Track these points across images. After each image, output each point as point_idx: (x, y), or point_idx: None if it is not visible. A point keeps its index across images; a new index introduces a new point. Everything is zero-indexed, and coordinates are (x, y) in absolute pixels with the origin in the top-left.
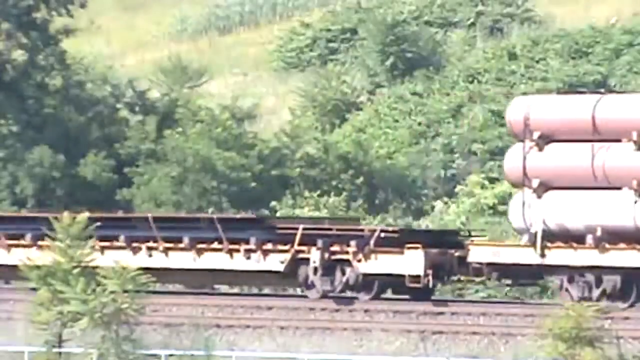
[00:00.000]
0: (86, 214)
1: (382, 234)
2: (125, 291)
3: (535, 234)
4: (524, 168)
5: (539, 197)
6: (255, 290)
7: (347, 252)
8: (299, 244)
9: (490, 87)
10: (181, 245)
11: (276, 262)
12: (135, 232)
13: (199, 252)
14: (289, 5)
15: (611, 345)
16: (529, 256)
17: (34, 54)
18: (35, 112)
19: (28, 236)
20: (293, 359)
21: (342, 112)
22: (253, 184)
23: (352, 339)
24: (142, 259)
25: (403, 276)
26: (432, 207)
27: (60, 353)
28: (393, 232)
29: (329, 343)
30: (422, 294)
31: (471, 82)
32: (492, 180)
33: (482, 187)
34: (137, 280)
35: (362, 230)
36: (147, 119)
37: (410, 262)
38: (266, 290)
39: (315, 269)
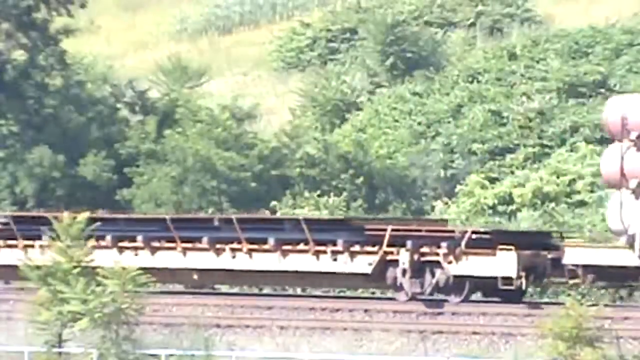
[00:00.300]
0: (167, 216)
1: (474, 235)
2: (126, 291)
3: (634, 235)
4: (622, 168)
5: (638, 197)
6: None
7: (437, 254)
8: (388, 245)
9: (490, 87)
10: (266, 247)
11: (364, 264)
12: (218, 234)
13: (284, 253)
14: (289, 5)
15: (611, 345)
16: (627, 258)
17: (34, 54)
18: (35, 112)
19: (139, 238)
20: (293, 359)
21: (342, 112)
22: (253, 184)
23: (352, 339)
24: (226, 261)
25: (495, 278)
26: (432, 207)
27: (60, 353)
28: (485, 233)
29: (329, 343)
30: (513, 296)
31: (471, 82)
32: (492, 180)
33: (482, 187)
34: (137, 280)
35: (452, 231)
36: (147, 119)
37: (503, 263)
38: (266, 290)
39: (404, 271)
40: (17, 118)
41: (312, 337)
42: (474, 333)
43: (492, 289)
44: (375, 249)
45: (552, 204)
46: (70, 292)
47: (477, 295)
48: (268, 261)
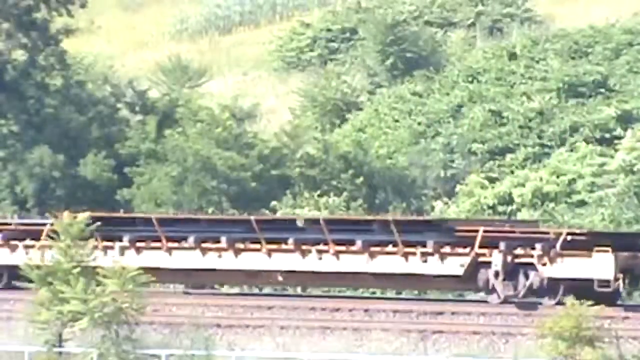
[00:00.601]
0: (252, 217)
1: (569, 237)
2: (126, 291)
3: None
4: None
5: None
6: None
7: (531, 255)
8: (480, 247)
9: (490, 87)
10: (353, 248)
11: (455, 265)
12: (304, 235)
13: (372, 255)
14: (289, 5)
15: (611, 345)
16: None
17: (34, 54)
18: (35, 112)
19: (223, 239)
20: (293, 359)
21: (342, 112)
22: (253, 184)
23: (352, 338)
24: (312, 263)
25: (590, 280)
26: (432, 207)
27: (60, 353)
28: (580, 234)
29: (329, 343)
30: (609, 298)
31: (471, 82)
32: (492, 180)
33: (482, 187)
34: (136, 280)
35: (547, 232)
36: (147, 119)
37: (600, 265)
38: (266, 290)
39: (497, 273)
40: (17, 118)
41: (312, 337)
42: (474, 333)
43: (587, 291)
44: (467, 250)
45: (552, 204)
46: (71, 292)
47: (478, 295)
48: (355, 263)
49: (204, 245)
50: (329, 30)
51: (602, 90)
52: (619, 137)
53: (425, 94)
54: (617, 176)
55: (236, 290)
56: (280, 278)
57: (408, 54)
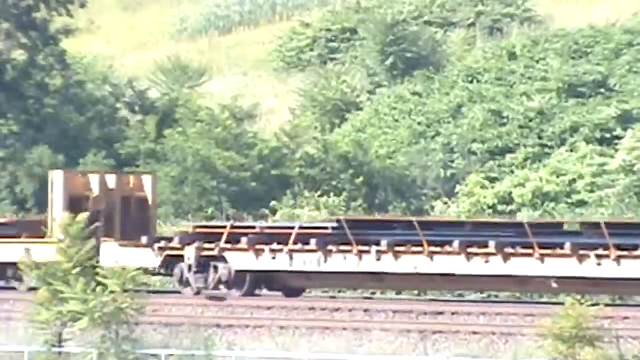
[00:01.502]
0: (525, 220)
1: None
2: (126, 291)
3: None
4: None
5: None
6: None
7: None
8: None
9: (490, 87)
10: (636, 254)
11: None
12: (582, 239)
13: None
14: (289, 5)
15: (611, 345)
16: None
17: (34, 54)
18: (35, 112)
19: (492, 244)
20: (293, 359)
21: (342, 112)
22: (253, 184)
23: (352, 338)
24: (589, 268)
25: None
26: (432, 207)
27: (60, 353)
28: None
29: (329, 343)
30: None
31: (471, 82)
32: (492, 180)
33: (482, 187)
34: (137, 280)
35: None
36: (147, 119)
37: None
38: (264, 291)
39: None
40: (17, 118)
41: (312, 337)
42: (474, 333)
43: None
44: None
45: (552, 204)
46: (70, 292)
47: (476, 296)
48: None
49: (469, 250)
50: (329, 30)
51: (602, 90)
52: (619, 137)
53: (425, 94)
54: (618, 176)
55: None
56: (554, 285)
57: (408, 54)
